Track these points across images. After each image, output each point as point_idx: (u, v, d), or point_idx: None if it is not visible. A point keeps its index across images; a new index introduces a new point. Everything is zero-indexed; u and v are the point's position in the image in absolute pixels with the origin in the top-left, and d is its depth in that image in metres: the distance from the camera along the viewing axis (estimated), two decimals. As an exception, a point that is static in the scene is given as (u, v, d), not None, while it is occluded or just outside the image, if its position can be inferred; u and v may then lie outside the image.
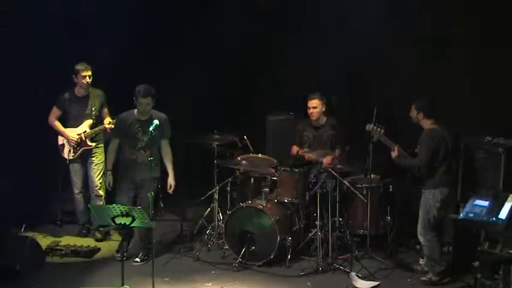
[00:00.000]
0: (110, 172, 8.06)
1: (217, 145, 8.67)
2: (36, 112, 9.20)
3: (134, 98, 7.79)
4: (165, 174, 8.09)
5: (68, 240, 8.64)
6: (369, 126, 7.73)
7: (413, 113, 7.68)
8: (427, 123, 7.64)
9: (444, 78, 8.72)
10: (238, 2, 9.91)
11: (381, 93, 9.05)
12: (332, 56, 9.52)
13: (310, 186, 8.42)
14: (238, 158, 8.70)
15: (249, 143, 8.90)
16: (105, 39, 9.49)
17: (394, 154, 7.65)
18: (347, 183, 8.33)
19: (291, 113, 9.63)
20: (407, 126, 7.85)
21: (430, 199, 7.57)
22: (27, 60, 9.13)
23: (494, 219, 6.59)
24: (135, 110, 7.87)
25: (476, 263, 6.69)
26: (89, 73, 8.54)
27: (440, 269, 7.62)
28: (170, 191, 8.03)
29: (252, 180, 8.74)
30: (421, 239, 7.65)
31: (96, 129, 8.61)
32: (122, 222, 6.74)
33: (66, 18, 9.30)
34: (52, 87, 9.14)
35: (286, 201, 8.36)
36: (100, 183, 8.64)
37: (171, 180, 7.99)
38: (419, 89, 8.67)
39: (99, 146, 8.73)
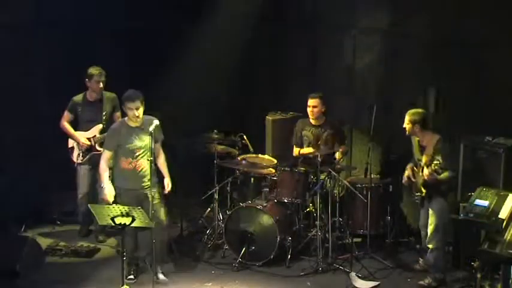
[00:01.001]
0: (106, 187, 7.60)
1: (217, 145, 8.67)
2: (37, 112, 9.21)
3: (122, 106, 7.49)
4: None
5: (68, 240, 8.62)
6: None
7: (408, 126, 7.53)
8: (427, 134, 7.52)
9: (444, 78, 8.71)
10: (238, 2, 9.91)
11: (381, 93, 9.05)
12: (332, 56, 9.54)
13: (310, 186, 8.42)
14: (238, 158, 8.70)
15: (249, 143, 8.90)
16: (105, 39, 9.49)
17: (428, 178, 7.38)
18: (347, 183, 8.33)
19: (291, 113, 9.63)
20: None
21: (443, 206, 7.49)
22: (28, 59, 9.13)
23: (494, 219, 6.59)
24: (126, 118, 7.55)
25: (476, 263, 6.70)
26: (103, 78, 8.45)
27: (441, 277, 7.61)
28: (167, 191, 7.72)
29: (252, 180, 8.74)
30: (430, 245, 7.58)
31: (105, 134, 8.42)
32: (122, 222, 6.75)
33: (67, 18, 9.31)
34: (53, 87, 9.17)
35: (286, 201, 8.36)
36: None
37: (167, 181, 7.68)
38: (419, 89, 8.68)
39: None
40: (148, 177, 7.39)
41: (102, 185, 7.58)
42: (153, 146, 7.22)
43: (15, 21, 9.00)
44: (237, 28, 9.90)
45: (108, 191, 7.50)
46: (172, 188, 7.71)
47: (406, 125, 7.56)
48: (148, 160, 7.32)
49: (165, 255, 7.75)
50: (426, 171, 7.36)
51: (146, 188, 7.47)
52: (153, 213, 7.22)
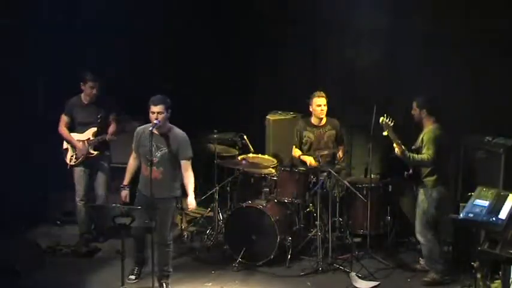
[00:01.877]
0: (126, 187, 7.43)
1: (217, 145, 8.67)
2: (37, 112, 9.21)
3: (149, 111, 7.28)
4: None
5: (68, 240, 8.62)
6: (382, 119, 7.52)
7: (416, 111, 7.67)
8: (429, 121, 7.63)
9: (444, 78, 8.71)
10: (238, 2, 9.91)
11: (381, 94, 9.04)
12: (332, 55, 9.54)
13: (310, 186, 8.42)
14: (238, 158, 8.70)
15: (249, 143, 8.90)
16: (105, 40, 9.49)
17: (397, 151, 7.54)
18: (347, 183, 8.34)
19: (291, 113, 9.63)
20: (407, 126, 7.84)
21: (428, 198, 7.57)
22: (28, 59, 9.13)
23: (494, 219, 6.59)
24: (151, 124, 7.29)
25: (476, 263, 6.70)
26: (97, 84, 8.36)
27: (442, 267, 7.63)
28: (189, 209, 7.54)
29: (252, 180, 8.75)
30: (420, 238, 7.66)
31: (99, 137, 8.43)
32: (122, 222, 6.76)
33: (68, 20, 9.31)
34: (53, 88, 9.17)
35: (286, 201, 8.37)
36: (105, 192, 8.49)
37: (191, 199, 7.29)
38: (419, 89, 8.66)
39: (106, 154, 8.57)
40: (164, 188, 7.24)
41: (121, 185, 7.50)
42: (153, 149, 7.15)
43: (15, 21, 9.00)
44: (237, 28, 9.89)
45: (122, 193, 7.42)
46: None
47: (414, 110, 7.68)
48: (161, 174, 7.21)
49: (168, 270, 7.49)
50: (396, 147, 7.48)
51: (159, 199, 7.18)
52: (159, 228, 7.22)
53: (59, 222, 9.15)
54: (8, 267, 7.57)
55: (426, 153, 7.51)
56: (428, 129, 7.59)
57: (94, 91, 8.42)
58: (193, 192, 7.32)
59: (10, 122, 8.94)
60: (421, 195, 7.64)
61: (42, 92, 9.37)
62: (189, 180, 7.31)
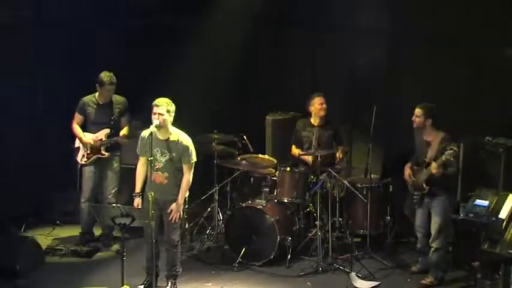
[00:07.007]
0: (138, 195, 7.31)
1: (217, 145, 8.67)
2: (37, 111, 9.21)
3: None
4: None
5: (68, 240, 8.62)
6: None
7: (420, 118, 7.49)
8: (433, 130, 7.52)
9: (444, 78, 8.72)
10: (239, 2, 9.91)
11: (381, 93, 9.05)
12: (332, 56, 9.54)
13: (310, 186, 8.43)
14: (238, 158, 8.71)
15: (248, 143, 8.90)
16: (105, 39, 9.50)
17: (436, 172, 7.37)
18: (347, 183, 8.34)
19: (291, 113, 9.64)
20: (407, 125, 7.84)
21: (446, 204, 7.52)
22: (28, 59, 9.14)
23: (494, 219, 6.59)
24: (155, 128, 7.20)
25: (476, 263, 6.69)
26: (114, 86, 8.32)
27: (443, 275, 7.62)
28: (169, 211, 7.26)
29: (252, 180, 8.75)
30: (435, 244, 7.55)
31: (111, 139, 8.39)
32: (122, 222, 6.75)
33: (65, 18, 9.32)
34: (53, 87, 9.18)
35: (286, 201, 8.37)
36: (114, 191, 8.46)
37: (177, 203, 7.25)
38: (419, 89, 8.68)
39: (116, 154, 8.54)
40: (169, 192, 7.25)
41: (133, 194, 7.42)
42: (158, 154, 7.14)
43: (15, 21, 9.00)
44: (238, 28, 9.90)
45: (134, 202, 7.32)
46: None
47: (418, 118, 7.53)
48: (166, 179, 7.22)
49: (176, 270, 7.50)
50: (435, 164, 7.33)
51: (166, 201, 7.24)
52: (166, 229, 7.28)
53: (58, 222, 9.15)
54: (8, 267, 7.57)
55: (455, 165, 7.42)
56: (444, 139, 7.46)
57: (111, 92, 8.36)
58: (182, 198, 7.30)
59: (10, 121, 8.94)
60: (440, 201, 7.51)
61: (42, 92, 9.37)
62: (185, 184, 7.31)
